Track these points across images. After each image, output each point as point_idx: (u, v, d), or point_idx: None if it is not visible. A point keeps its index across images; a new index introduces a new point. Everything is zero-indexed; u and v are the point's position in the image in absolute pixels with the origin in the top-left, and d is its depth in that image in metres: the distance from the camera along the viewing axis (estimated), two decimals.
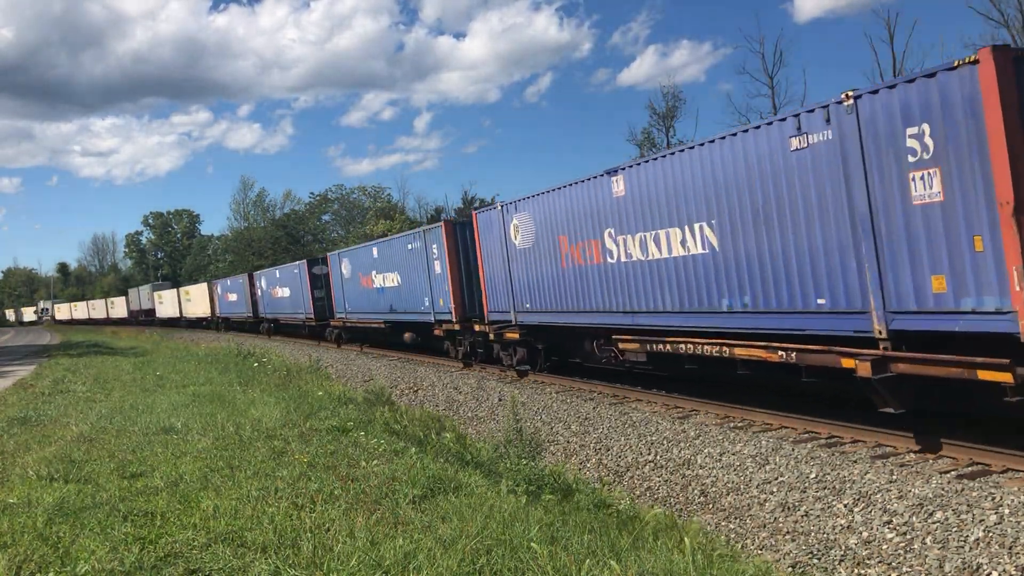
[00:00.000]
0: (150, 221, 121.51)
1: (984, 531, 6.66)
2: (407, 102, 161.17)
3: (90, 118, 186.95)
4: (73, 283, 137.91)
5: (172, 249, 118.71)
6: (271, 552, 5.65)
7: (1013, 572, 6.08)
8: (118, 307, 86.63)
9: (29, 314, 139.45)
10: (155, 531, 6.25)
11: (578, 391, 15.50)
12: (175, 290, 65.51)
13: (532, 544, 5.64)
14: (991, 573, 6.15)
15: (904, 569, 6.58)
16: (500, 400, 15.73)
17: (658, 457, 10.64)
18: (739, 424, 11.29)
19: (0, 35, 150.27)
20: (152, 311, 71.78)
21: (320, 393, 15.67)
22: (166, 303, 66.43)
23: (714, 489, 9.27)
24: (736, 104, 77.29)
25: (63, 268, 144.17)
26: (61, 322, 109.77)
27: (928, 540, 6.83)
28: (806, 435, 10.26)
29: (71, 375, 22.08)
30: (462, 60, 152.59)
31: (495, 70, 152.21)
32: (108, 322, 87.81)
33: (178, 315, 62.25)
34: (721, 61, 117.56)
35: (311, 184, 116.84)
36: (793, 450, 9.55)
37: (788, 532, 7.81)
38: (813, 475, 8.69)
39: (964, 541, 6.63)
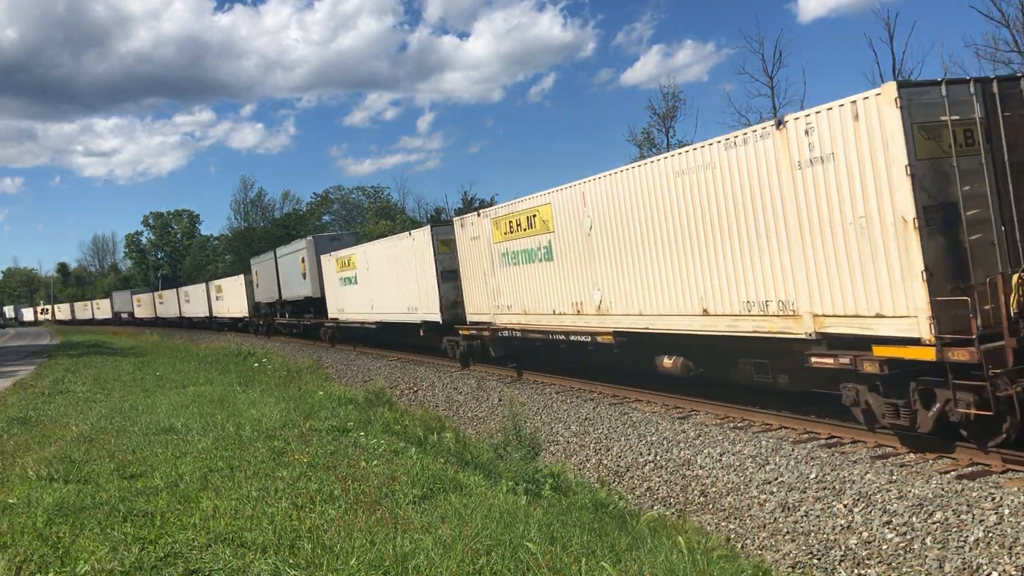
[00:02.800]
0: (150, 221, 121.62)
1: (984, 531, 6.66)
2: (410, 102, 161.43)
3: (92, 118, 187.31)
4: (73, 283, 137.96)
5: (172, 249, 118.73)
6: (271, 552, 5.65)
7: (1013, 572, 6.08)
8: (228, 296, 46.54)
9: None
10: (155, 531, 6.25)
11: (578, 391, 15.48)
12: (393, 243, 24.80)
13: (528, 544, 5.64)
14: (991, 573, 6.15)
15: (904, 569, 6.58)
16: (500, 400, 15.73)
17: (658, 457, 10.63)
18: (739, 424, 11.28)
19: (3, 35, 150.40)
20: (317, 303, 32.05)
21: (320, 393, 15.67)
22: (366, 288, 26.52)
23: (714, 489, 9.27)
24: (736, 104, 77.11)
25: (63, 268, 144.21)
26: (143, 322, 74.38)
27: (928, 540, 6.83)
28: (806, 435, 10.25)
29: (71, 375, 22.09)
30: (466, 60, 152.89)
31: (498, 70, 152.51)
32: (230, 325, 47.87)
33: (414, 314, 22.62)
34: (724, 61, 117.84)
35: (313, 184, 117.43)
36: (793, 450, 9.55)
37: (788, 532, 7.81)
38: (813, 475, 8.69)
39: (964, 541, 6.63)
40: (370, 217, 75.66)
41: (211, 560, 5.56)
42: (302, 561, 5.45)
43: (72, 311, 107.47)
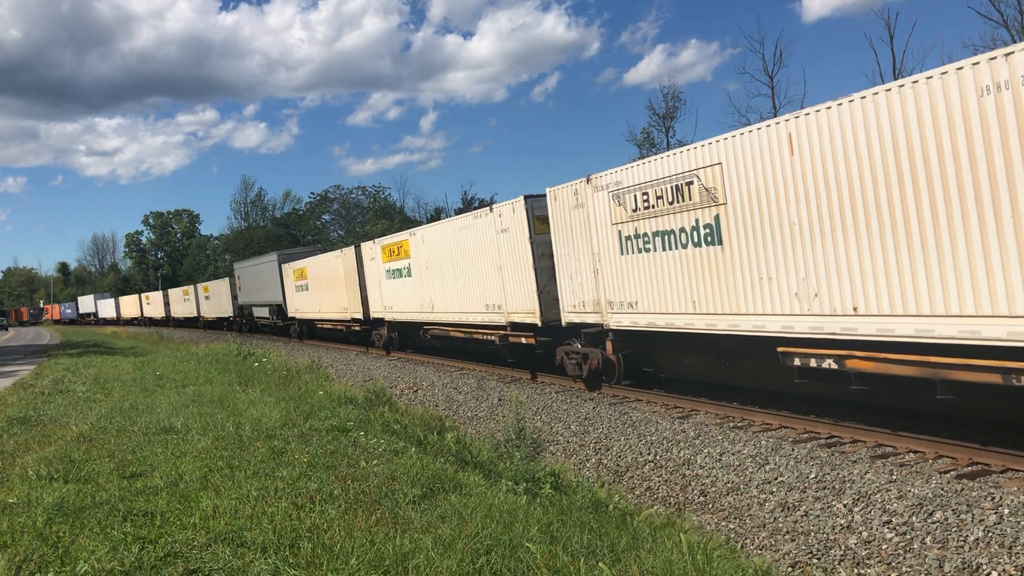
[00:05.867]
0: (150, 221, 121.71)
1: (984, 531, 6.66)
2: (413, 102, 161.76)
3: (95, 117, 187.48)
4: (73, 283, 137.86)
5: (172, 249, 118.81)
6: (271, 552, 5.65)
7: (1013, 572, 6.08)
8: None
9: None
10: (155, 531, 6.25)
11: (578, 391, 15.49)
12: None
13: (527, 543, 5.64)
14: (991, 573, 6.15)
15: (904, 569, 6.58)
16: (500, 400, 15.72)
17: (658, 457, 10.63)
18: (739, 424, 11.29)
19: (7, 34, 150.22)
20: None
21: (320, 393, 15.67)
22: None
23: (714, 489, 9.27)
24: (737, 104, 77.18)
25: (63, 268, 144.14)
26: (323, 333, 33.55)
27: (928, 540, 6.83)
28: (806, 435, 10.26)
29: (71, 375, 22.09)
30: (469, 59, 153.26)
31: (502, 69, 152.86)
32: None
33: None
34: (728, 60, 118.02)
35: (315, 183, 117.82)
36: (793, 450, 9.55)
37: (788, 532, 7.81)
38: (813, 475, 8.69)
39: (964, 541, 6.63)
40: (370, 217, 75.73)
41: (211, 560, 5.56)
42: (302, 561, 5.45)
43: (166, 304, 66.42)
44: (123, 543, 5.97)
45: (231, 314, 45.82)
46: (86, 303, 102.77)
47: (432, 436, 11.81)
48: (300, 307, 33.85)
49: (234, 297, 44.83)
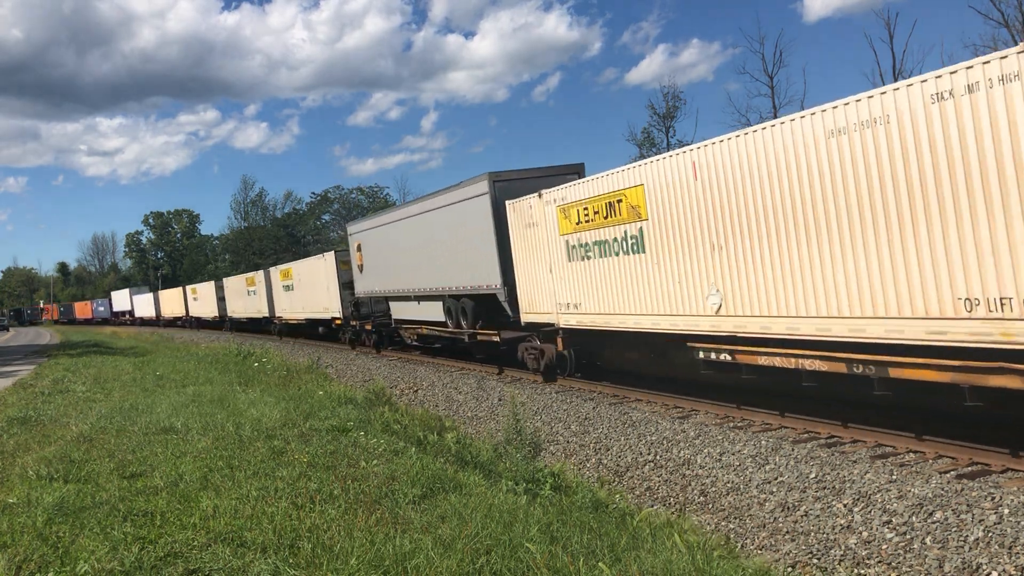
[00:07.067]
0: (150, 221, 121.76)
1: (984, 531, 6.66)
2: (415, 101, 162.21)
3: (96, 117, 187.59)
4: (73, 283, 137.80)
5: (172, 249, 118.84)
6: (271, 552, 5.65)
7: (1013, 572, 6.08)
8: None
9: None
10: (155, 531, 6.25)
11: (578, 391, 15.48)
12: None
13: (527, 543, 5.64)
14: (991, 573, 6.15)
15: (904, 569, 6.58)
16: (500, 400, 15.72)
17: (658, 457, 10.63)
18: (739, 424, 11.28)
19: (8, 34, 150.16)
20: None
21: (320, 393, 15.67)
22: None
23: (714, 489, 9.26)
24: (737, 104, 77.29)
25: (63, 268, 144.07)
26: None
27: (928, 540, 6.83)
28: (806, 435, 10.25)
29: (71, 375, 22.10)
30: (471, 59, 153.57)
31: (504, 69, 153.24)
32: None
33: None
34: (728, 60, 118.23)
35: (316, 183, 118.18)
36: (793, 450, 9.55)
37: (788, 532, 7.80)
38: (813, 475, 8.69)
39: (964, 541, 6.63)
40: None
41: (211, 560, 5.56)
42: (302, 561, 5.45)
43: (220, 300, 47.90)
44: (123, 543, 5.97)
45: (336, 314, 27.81)
46: (120, 299, 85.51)
47: (432, 436, 11.81)
48: (587, 304, 14.28)
49: (344, 284, 26.73)
